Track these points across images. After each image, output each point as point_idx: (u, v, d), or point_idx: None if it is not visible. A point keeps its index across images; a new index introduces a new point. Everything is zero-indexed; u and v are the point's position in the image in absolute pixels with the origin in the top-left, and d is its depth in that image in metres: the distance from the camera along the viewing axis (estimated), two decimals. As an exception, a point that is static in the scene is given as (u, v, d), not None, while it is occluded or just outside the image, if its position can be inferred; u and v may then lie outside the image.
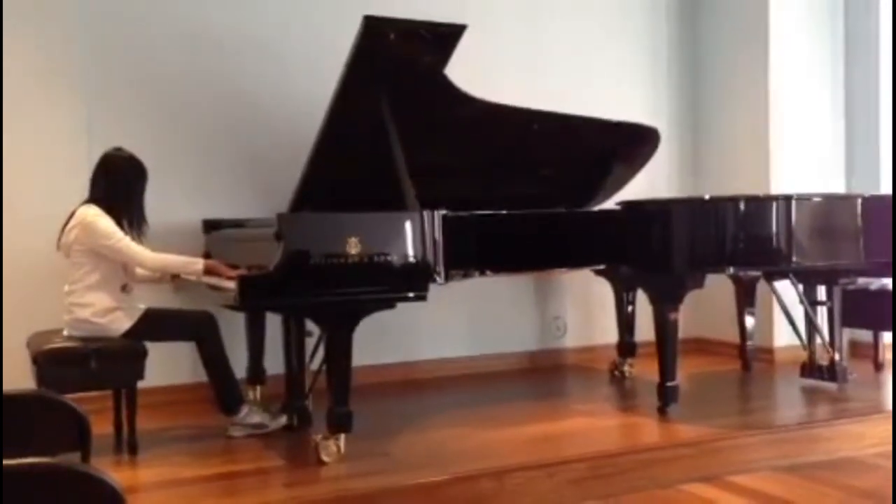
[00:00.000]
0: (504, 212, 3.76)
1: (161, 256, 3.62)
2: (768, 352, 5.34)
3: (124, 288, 3.65)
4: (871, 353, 5.03)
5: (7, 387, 2.71)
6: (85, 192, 3.70)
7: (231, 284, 3.32)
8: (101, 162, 3.69)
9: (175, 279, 3.84)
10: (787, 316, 4.74)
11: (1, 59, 4.17)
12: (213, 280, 3.56)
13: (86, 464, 1.99)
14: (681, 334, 4.07)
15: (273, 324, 4.12)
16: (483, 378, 5.04)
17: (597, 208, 4.58)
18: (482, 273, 3.71)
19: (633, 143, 4.55)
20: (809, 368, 4.64)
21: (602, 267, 4.50)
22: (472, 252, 3.63)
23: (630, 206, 4.16)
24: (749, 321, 5.12)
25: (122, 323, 3.58)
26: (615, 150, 4.55)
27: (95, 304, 3.56)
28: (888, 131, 5.41)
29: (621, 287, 4.96)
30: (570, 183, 4.55)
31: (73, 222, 3.62)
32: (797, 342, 4.78)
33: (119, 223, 3.60)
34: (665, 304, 3.99)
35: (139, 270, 3.73)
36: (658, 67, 5.83)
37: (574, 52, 5.49)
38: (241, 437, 3.70)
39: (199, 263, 3.59)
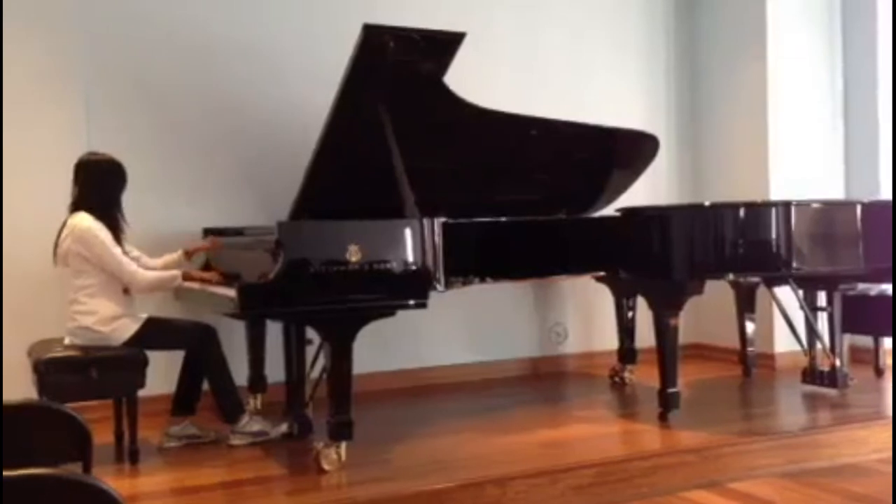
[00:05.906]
0: (504, 219, 3.76)
1: (151, 276, 3.66)
2: (769, 357, 5.33)
3: (127, 291, 3.65)
4: (871, 358, 5.02)
5: (7, 396, 2.71)
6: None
7: (219, 289, 3.38)
8: (85, 168, 3.67)
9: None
10: (787, 322, 4.73)
11: (1, 64, 4.17)
12: (215, 288, 3.60)
13: (87, 474, 1.99)
14: (681, 340, 4.08)
15: (274, 332, 4.12)
16: (484, 385, 5.04)
17: (597, 215, 4.59)
18: (482, 280, 3.72)
19: (633, 149, 4.56)
20: (810, 374, 4.63)
21: (602, 273, 4.50)
22: (472, 259, 3.64)
23: (630, 213, 4.16)
24: (749, 327, 5.12)
25: (123, 332, 3.59)
26: (614, 156, 4.56)
27: (99, 311, 3.57)
28: (887, 137, 5.42)
29: (621, 293, 4.96)
30: (569, 189, 4.55)
31: (65, 232, 3.62)
32: (797, 348, 4.77)
33: (113, 228, 3.62)
34: (665, 311, 3.99)
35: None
36: (657, 75, 5.84)
37: (573, 61, 5.50)
38: (243, 446, 3.70)
39: (178, 276, 3.69)
